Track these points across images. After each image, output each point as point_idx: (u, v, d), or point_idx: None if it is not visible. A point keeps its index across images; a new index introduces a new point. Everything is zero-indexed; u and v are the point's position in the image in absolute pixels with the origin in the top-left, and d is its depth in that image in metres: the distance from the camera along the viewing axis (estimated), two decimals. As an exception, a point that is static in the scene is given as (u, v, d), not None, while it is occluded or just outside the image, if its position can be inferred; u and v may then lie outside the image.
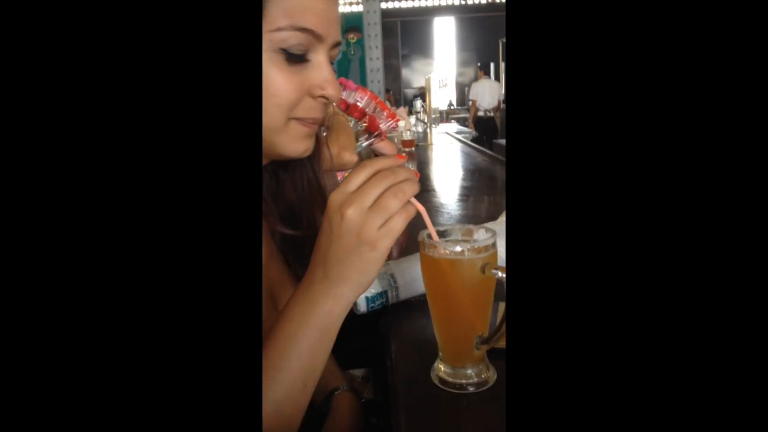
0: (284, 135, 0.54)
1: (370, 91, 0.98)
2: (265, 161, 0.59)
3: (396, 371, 0.59)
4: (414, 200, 0.47)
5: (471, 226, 0.56)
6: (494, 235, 0.53)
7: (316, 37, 0.49)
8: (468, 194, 1.63)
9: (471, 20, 9.76)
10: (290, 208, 0.66)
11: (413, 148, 2.82)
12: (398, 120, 1.51)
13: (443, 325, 0.56)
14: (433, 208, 1.37)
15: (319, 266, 0.47)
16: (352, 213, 0.44)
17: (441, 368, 0.55)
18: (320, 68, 0.51)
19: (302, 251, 0.66)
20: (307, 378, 0.47)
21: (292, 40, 0.48)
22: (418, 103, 4.64)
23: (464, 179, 2.01)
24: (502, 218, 0.93)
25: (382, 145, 0.98)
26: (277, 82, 0.49)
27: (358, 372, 0.80)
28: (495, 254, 0.52)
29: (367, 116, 0.96)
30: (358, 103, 0.95)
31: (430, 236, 0.52)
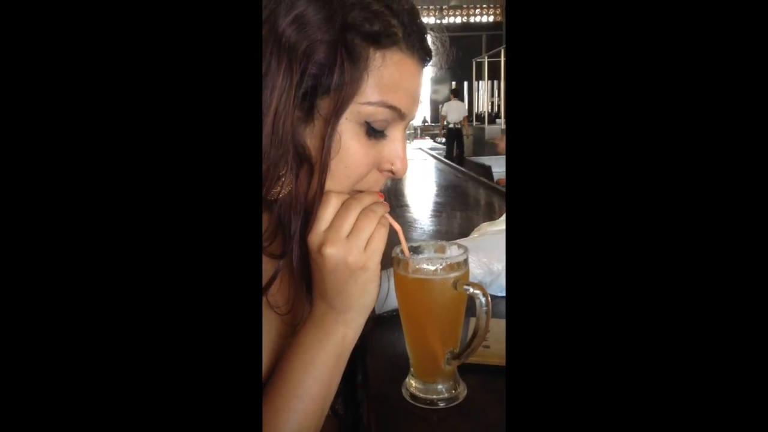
0: None
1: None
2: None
3: (367, 387, 0.59)
4: (389, 217, 0.48)
5: (444, 243, 0.57)
6: (466, 251, 0.54)
7: (400, 115, 0.49)
8: (441, 210, 1.64)
9: (446, 39, 9.88)
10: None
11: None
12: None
13: (415, 340, 0.56)
14: (406, 224, 1.38)
15: (322, 301, 0.48)
16: (330, 250, 0.45)
17: (412, 384, 0.56)
18: (394, 142, 0.51)
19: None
20: (325, 404, 0.49)
21: (379, 115, 0.48)
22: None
23: (437, 195, 2.03)
24: (475, 234, 0.95)
25: None
26: (355, 154, 0.48)
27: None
28: (467, 271, 0.53)
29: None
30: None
31: (403, 253, 0.53)
